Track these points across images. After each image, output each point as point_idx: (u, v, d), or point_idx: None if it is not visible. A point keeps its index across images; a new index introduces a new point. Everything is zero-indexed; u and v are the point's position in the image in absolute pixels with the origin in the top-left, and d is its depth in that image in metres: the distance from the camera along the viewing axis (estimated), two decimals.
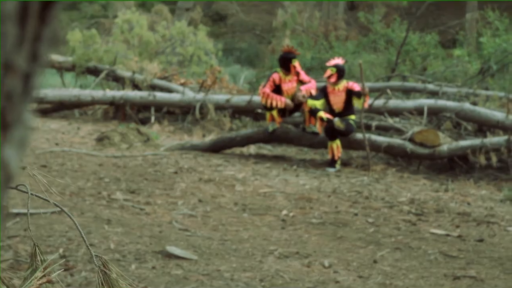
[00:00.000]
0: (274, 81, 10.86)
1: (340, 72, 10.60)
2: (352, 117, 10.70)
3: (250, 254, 6.05)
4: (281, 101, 10.76)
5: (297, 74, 10.93)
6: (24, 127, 0.69)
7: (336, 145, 10.49)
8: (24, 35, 0.67)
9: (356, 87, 10.54)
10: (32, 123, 0.72)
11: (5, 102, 0.66)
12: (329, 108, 10.71)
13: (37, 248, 2.14)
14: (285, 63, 10.87)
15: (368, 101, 11.03)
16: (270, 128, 11.01)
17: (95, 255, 2.19)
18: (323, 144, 10.87)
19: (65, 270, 5.18)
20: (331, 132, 10.48)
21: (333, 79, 10.56)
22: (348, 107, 10.65)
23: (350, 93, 10.57)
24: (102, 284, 2.06)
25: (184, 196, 8.07)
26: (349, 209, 7.92)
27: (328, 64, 10.87)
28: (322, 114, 10.56)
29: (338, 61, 10.81)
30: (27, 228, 6.03)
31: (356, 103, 10.56)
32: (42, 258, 2.14)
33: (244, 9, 28.56)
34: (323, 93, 10.76)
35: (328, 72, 10.62)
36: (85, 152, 10.28)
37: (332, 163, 10.49)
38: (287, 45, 11.73)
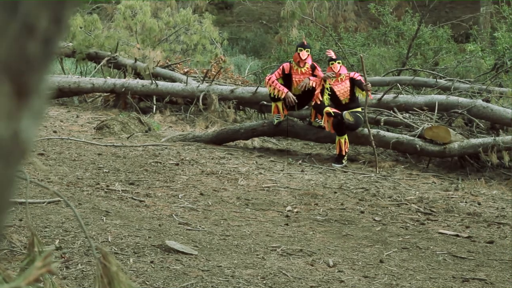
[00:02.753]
0: (283, 70, 10.79)
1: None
2: (359, 109, 10.59)
3: (252, 250, 5.96)
4: (283, 91, 10.70)
5: (313, 68, 10.94)
6: (42, 96, 0.64)
7: (344, 140, 10.37)
8: None
9: (358, 76, 10.62)
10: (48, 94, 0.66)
11: (24, 67, 0.61)
12: (336, 100, 10.58)
13: (35, 238, 2.10)
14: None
15: (372, 95, 11.00)
16: (275, 121, 10.94)
17: (95, 246, 2.08)
18: (330, 138, 10.79)
19: (61, 262, 5.09)
20: (340, 127, 10.35)
21: (343, 70, 10.71)
22: (354, 98, 10.64)
23: (353, 82, 10.57)
24: (101, 276, 1.96)
25: (185, 189, 8.03)
26: (356, 206, 7.84)
27: (329, 55, 11.02)
28: (329, 109, 10.43)
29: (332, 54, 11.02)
30: (23, 218, 5.96)
31: (360, 94, 10.50)
32: (40, 249, 2.09)
33: None
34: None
35: (336, 66, 10.70)
36: (84, 141, 10.23)
37: (339, 158, 10.40)
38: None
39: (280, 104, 10.89)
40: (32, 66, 0.62)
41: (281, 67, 10.98)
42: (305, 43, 11.15)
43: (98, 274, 2.01)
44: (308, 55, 10.91)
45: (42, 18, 0.62)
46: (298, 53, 10.85)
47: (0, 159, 0.62)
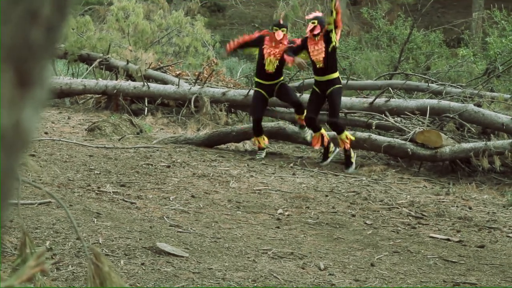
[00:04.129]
0: (259, 36, 10.79)
1: (322, 24, 10.17)
2: (335, 75, 10.22)
3: (243, 253, 5.96)
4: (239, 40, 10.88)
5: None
6: (44, 86, 0.64)
7: (320, 134, 10.32)
8: None
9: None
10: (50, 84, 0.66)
11: (27, 54, 0.60)
12: (312, 65, 10.39)
13: (27, 238, 2.08)
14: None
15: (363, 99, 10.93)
16: (257, 157, 10.64)
17: (87, 246, 2.09)
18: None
19: (51, 264, 5.07)
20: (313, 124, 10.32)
21: (317, 30, 10.11)
22: (329, 62, 10.17)
23: (327, 38, 10.12)
24: (94, 277, 1.95)
25: (176, 191, 8.00)
26: (347, 210, 7.83)
27: (308, 17, 10.51)
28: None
29: (317, 14, 10.51)
30: (13, 219, 5.94)
31: (328, 19, 10.12)
32: (33, 249, 2.07)
33: (243, 1, 28.39)
34: (302, 46, 10.39)
35: (310, 25, 10.20)
36: (75, 142, 10.19)
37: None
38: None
39: (261, 140, 10.67)
40: (35, 54, 0.61)
41: (256, 33, 10.90)
42: (281, 22, 10.80)
43: (90, 275, 2.00)
44: (284, 34, 10.55)
45: (46, 5, 0.61)
46: (274, 33, 10.52)
47: (2, 149, 0.61)
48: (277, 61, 10.51)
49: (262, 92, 10.68)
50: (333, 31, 10.05)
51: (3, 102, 0.59)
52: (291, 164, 10.32)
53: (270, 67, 10.56)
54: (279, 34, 10.46)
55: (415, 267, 5.92)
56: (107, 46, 16.72)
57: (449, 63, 17.83)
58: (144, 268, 5.25)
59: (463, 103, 11.83)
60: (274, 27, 10.62)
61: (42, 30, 0.62)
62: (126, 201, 7.31)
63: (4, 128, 0.60)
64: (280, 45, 10.46)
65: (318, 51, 10.10)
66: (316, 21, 10.15)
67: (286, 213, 7.50)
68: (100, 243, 5.68)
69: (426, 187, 9.44)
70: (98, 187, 7.77)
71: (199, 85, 14.07)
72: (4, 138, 0.60)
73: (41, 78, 0.62)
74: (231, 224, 6.91)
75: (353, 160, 10.22)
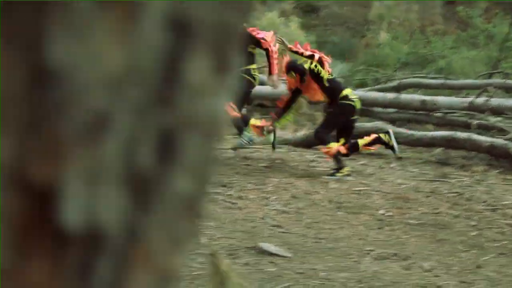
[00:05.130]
0: None
1: (296, 69, 9.67)
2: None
3: (346, 253, 5.94)
4: None
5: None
6: (237, 73, 0.63)
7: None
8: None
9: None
10: None
11: (225, 38, 0.59)
12: None
13: None
14: None
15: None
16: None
17: (209, 248, 2.19)
18: (421, 141, 10.58)
19: None
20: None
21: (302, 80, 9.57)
22: (329, 94, 9.42)
23: (315, 75, 9.44)
24: (214, 275, 2.03)
25: (276, 192, 8.00)
26: (449, 210, 7.69)
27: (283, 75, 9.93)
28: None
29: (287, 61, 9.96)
30: None
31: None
32: None
33: (337, 1, 28.21)
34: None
35: (292, 82, 9.78)
36: None
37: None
38: None
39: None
40: (232, 38, 0.61)
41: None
42: None
43: (211, 273, 2.04)
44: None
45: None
46: None
47: (200, 137, 0.60)
48: None
49: None
50: (315, 65, 9.40)
51: (202, 89, 0.58)
52: (391, 165, 10.20)
53: None
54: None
55: None
56: None
57: None
58: (248, 268, 5.29)
59: None
60: None
61: (241, 13, 0.60)
62: (227, 202, 7.36)
63: (202, 116, 0.59)
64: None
65: (313, 94, 9.64)
66: (293, 73, 9.64)
67: (388, 214, 7.44)
68: (203, 243, 5.73)
69: None
70: None
71: None
72: (202, 126, 0.59)
73: (235, 65, 0.61)
74: (333, 224, 6.89)
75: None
